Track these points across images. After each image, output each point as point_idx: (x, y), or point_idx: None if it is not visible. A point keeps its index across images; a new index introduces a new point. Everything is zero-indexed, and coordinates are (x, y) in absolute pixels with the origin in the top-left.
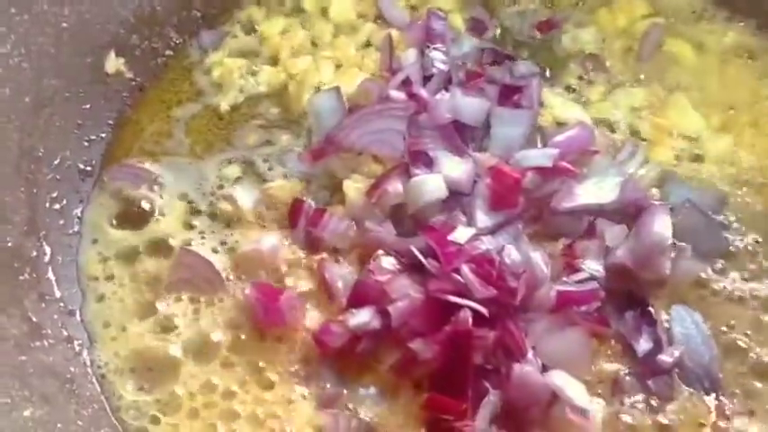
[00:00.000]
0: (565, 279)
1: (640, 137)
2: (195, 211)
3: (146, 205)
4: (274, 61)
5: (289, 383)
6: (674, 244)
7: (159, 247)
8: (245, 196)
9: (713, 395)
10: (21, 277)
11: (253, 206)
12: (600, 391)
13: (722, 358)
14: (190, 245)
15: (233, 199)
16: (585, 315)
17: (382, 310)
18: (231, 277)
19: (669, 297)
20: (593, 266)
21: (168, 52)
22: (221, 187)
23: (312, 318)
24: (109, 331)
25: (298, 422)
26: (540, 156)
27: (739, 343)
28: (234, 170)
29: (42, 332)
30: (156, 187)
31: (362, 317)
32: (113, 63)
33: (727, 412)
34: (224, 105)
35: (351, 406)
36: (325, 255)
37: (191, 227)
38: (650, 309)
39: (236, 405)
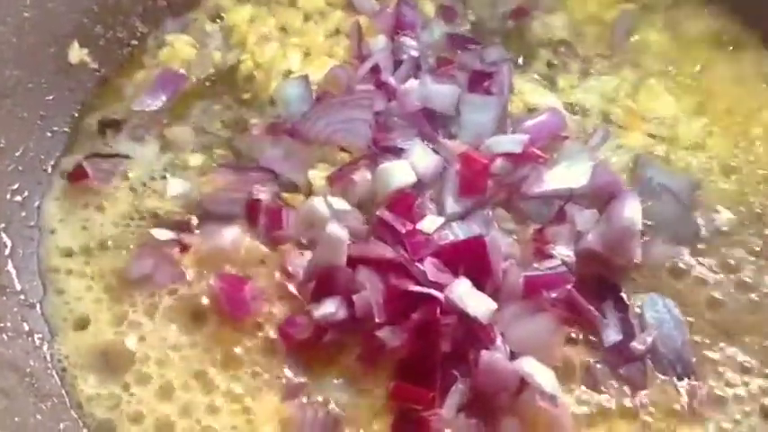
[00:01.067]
0: (535, 265)
1: (612, 122)
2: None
3: (107, 197)
4: (235, 47)
5: (253, 375)
6: (645, 229)
7: (121, 240)
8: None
9: (686, 380)
10: None
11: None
12: (570, 378)
13: (694, 343)
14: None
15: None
16: (555, 301)
17: (347, 300)
18: (193, 271)
19: (641, 282)
20: (563, 252)
21: (133, 42)
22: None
23: (277, 309)
24: (69, 325)
25: (262, 414)
26: (509, 142)
27: (711, 327)
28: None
29: (1, 325)
30: (117, 178)
31: (328, 307)
32: (77, 53)
33: (700, 397)
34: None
35: (317, 397)
36: (287, 246)
37: (154, 217)
38: (622, 295)
39: (198, 397)
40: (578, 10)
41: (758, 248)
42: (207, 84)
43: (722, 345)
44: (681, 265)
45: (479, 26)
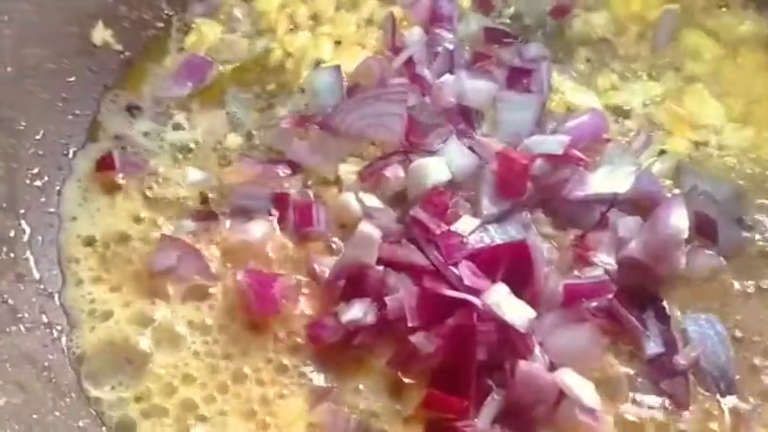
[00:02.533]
0: (576, 273)
1: (656, 126)
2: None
3: (131, 185)
4: (265, 34)
5: (280, 376)
6: (689, 238)
7: (144, 230)
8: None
9: (729, 398)
10: None
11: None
12: (611, 391)
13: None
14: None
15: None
16: (596, 310)
17: (378, 302)
18: (219, 266)
19: (683, 295)
20: (605, 260)
21: (159, 24)
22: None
23: (305, 309)
24: (88, 317)
25: (288, 417)
26: (550, 142)
27: (756, 342)
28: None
29: (19, 316)
30: (144, 169)
31: (355, 311)
32: (101, 34)
33: (744, 415)
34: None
35: (345, 402)
36: (316, 244)
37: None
38: (664, 306)
39: (220, 399)
40: (621, 8)
41: None
42: (234, 71)
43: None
44: (724, 275)
45: (518, 21)
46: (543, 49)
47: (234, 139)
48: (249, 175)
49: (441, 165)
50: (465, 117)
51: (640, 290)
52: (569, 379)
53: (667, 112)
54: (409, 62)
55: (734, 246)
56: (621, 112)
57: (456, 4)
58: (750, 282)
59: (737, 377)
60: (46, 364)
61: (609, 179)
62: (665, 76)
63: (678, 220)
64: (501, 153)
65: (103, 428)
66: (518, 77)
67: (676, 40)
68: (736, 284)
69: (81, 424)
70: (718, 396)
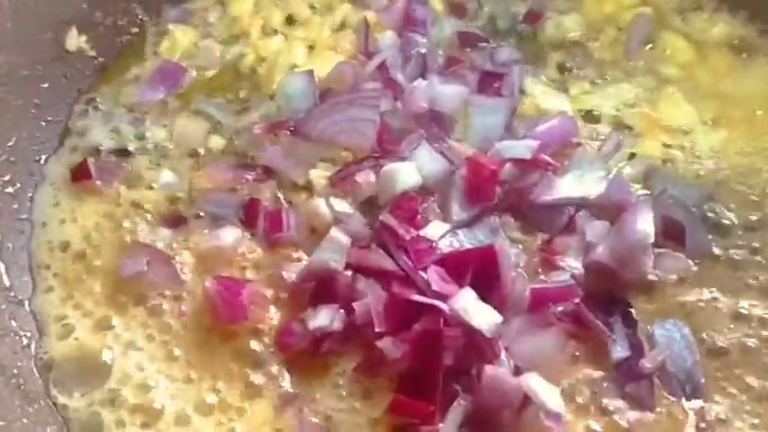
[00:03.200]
0: (542, 277)
1: (627, 130)
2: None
3: (103, 191)
4: (238, 39)
5: (247, 382)
6: (657, 242)
7: (116, 236)
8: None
9: (694, 401)
10: None
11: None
12: (576, 396)
13: (704, 364)
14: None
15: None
16: (562, 315)
17: (346, 307)
18: (189, 272)
19: (651, 299)
20: (572, 264)
21: (134, 30)
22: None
23: (273, 315)
24: (57, 325)
25: (254, 422)
26: (519, 147)
27: (721, 347)
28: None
29: None
30: (119, 176)
31: (322, 318)
32: (75, 40)
33: (709, 419)
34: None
35: (312, 407)
36: (286, 250)
37: (150, 214)
38: (631, 310)
39: (188, 404)
40: (593, 11)
41: None
42: (208, 77)
43: (732, 366)
44: (691, 280)
45: (491, 25)
46: (515, 53)
47: (217, 141)
48: (220, 180)
49: (411, 170)
50: (437, 122)
51: (607, 294)
52: (535, 384)
53: (639, 115)
54: (382, 66)
55: (701, 250)
56: (592, 117)
57: (430, 8)
58: (716, 287)
59: (703, 381)
60: (15, 371)
61: (578, 184)
62: (637, 79)
63: (645, 224)
64: (470, 158)
65: None
66: (489, 81)
67: (649, 43)
68: (704, 289)
69: (48, 430)
70: (683, 400)
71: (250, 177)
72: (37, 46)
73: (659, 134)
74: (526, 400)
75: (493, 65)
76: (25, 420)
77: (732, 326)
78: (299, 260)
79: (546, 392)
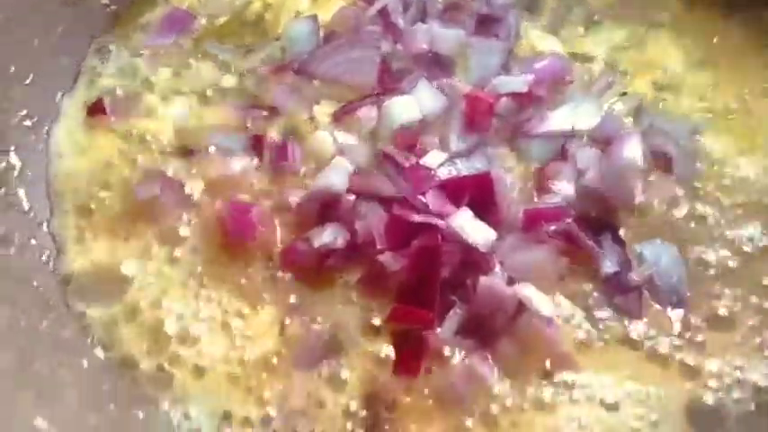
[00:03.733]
0: (535, 200)
1: (618, 70)
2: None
3: (116, 124)
4: None
5: (255, 295)
6: (645, 171)
7: (129, 166)
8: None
9: (679, 311)
10: None
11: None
12: (566, 306)
13: (690, 279)
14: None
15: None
16: (554, 233)
17: (348, 227)
18: (199, 198)
19: (640, 223)
20: (564, 187)
21: None
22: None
23: (280, 236)
24: (74, 244)
25: (260, 329)
26: (514, 82)
27: (707, 265)
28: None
29: (9, 239)
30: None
31: (327, 236)
32: None
33: (693, 322)
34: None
35: (317, 318)
36: (291, 179)
37: (162, 144)
38: (619, 232)
39: (198, 313)
40: None
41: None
42: (217, 24)
43: (716, 280)
44: (678, 204)
45: None
46: None
47: (229, 80)
48: (228, 117)
49: (411, 104)
50: (436, 62)
51: (598, 218)
52: (527, 291)
53: (630, 57)
54: (383, 12)
55: (689, 178)
56: (585, 58)
57: None
58: (703, 210)
59: (689, 294)
60: (35, 283)
61: (570, 116)
62: (628, 25)
63: (633, 151)
64: (468, 93)
65: (88, 339)
66: (486, 25)
67: None
68: (691, 212)
69: (67, 335)
70: (669, 309)
71: (257, 116)
72: None
73: (649, 74)
74: (520, 307)
75: (489, 9)
76: (45, 323)
77: (717, 246)
78: (304, 188)
79: (538, 299)
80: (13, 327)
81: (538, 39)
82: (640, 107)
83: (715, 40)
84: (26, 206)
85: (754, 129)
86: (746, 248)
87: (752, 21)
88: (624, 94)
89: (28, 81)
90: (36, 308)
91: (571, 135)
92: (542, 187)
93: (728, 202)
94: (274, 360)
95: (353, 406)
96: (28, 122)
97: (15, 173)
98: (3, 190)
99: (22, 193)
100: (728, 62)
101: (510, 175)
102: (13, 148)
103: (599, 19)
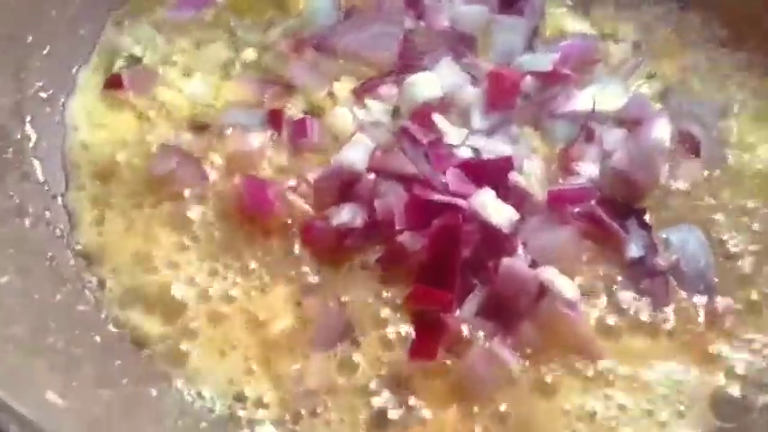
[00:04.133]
0: (560, 181)
1: (647, 52)
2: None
3: (132, 97)
4: None
5: (271, 270)
6: (674, 153)
7: (145, 139)
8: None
9: (707, 298)
10: (3, 155)
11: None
12: (591, 290)
13: (717, 265)
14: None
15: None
16: (579, 215)
17: (368, 206)
18: (217, 173)
19: (668, 207)
20: (589, 169)
21: None
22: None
23: (299, 213)
24: (88, 219)
25: (277, 306)
26: (540, 60)
27: (734, 251)
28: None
29: (23, 211)
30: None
31: (345, 214)
32: None
33: (720, 312)
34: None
35: (335, 296)
36: (310, 155)
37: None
38: (646, 216)
39: (214, 286)
40: None
41: None
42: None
43: (744, 266)
44: (706, 188)
45: None
46: None
47: (249, 54)
48: (247, 93)
49: (433, 81)
50: (459, 40)
51: (623, 201)
52: (551, 274)
53: (660, 37)
54: None
55: (717, 161)
56: (613, 38)
57: None
58: (729, 195)
59: (716, 280)
60: (49, 254)
61: (598, 97)
62: (658, 5)
63: (661, 132)
64: (492, 71)
65: (102, 315)
66: (511, 2)
67: None
68: (718, 198)
69: (81, 308)
70: (696, 297)
71: (276, 91)
72: None
73: (677, 56)
74: (542, 290)
75: None
76: (59, 296)
77: (745, 232)
78: (323, 165)
79: (561, 282)
80: (27, 299)
81: (565, 18)
82: (668, 89)
83: (746, 19)
84: (41, 178)
85: None
86: None
87: None
88: (653, 75)
89: (45, 52)
90: (50, 281)
91: (597, 116)
92: (567, 168)
93: (756, 187)
94: (290, 340)
95: (370, 387)
96: (44, 94)
97: (31, 144)
98: (19, 160)
99: (37, 164)
100: (760, 43)
101: (534, 156)
102: (29, 119)
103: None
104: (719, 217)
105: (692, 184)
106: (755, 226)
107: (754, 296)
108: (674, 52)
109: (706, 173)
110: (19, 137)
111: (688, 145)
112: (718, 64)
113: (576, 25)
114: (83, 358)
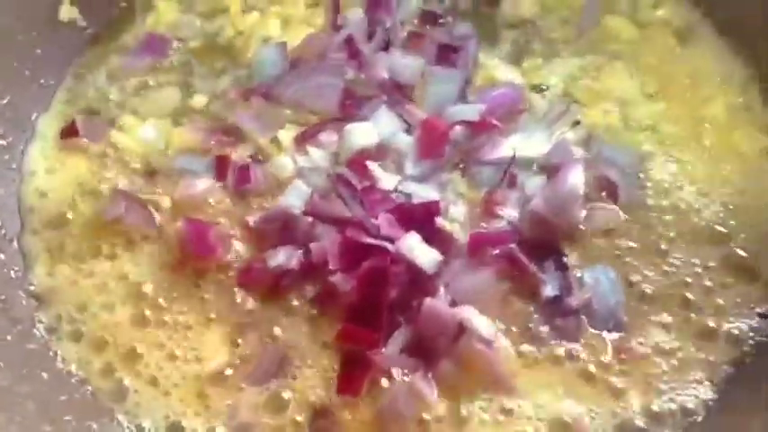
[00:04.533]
0: (483, 224)
1: (573, 100)
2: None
3: (88, 145)
4: (218, 14)
5: (210, 310)
6: (593, 198)
7: (98, 185)
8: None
9: (615, 335)
10: None
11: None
12: (508, 328)
13: (629, 306)
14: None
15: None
16: (498, 257)
17: (304, 248)
18: (163, 217)
19: (584, 248)
20: (510, 213)
21: (122, 4)
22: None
23: (238, 255)
24: (41, 261)
25: (214, 344)
26: (468, 110)
27: (646, 291)
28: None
29: None
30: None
31: (282, 257)
32: (67, 10)
33: (629, 346)
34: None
35: (270, 334)
36: (253, 200)
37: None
38: (563, 257)
39: (150, 327)
40: None
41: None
42: (189, 48)
43: (655, 306)
44: (621, 231)
45: (453, 6)
46: (471, 29)
47: (199, 100)
48: (195, 139)
49: (370, 129)
50: (397, 89)
51: (542, 243)
52: (468, 313)
53: (584, 87)
54: (349, 39)
55: (634, 205)
56: (541, 88)
57: None
58: (644, 237)
59: (625, 318)
60: (2, 297)
61: (522, 145)
62: (585, 56)
63: (576, 178)
64: (425, 120)
65: (50, 353)
66: (446, 54)
67: (598, 24)
68: (632, 239)
69: (30, 346)
70: (605, 333)
71: (223, 138)
72: (32, 14)
73: (602, 103)
74: (461, 329)
75: (450, 39)
76: (9, 338)
77: (654, 271)
78: (264, 210)
79: (478, 321)
80: None
81: (496, 68)
82: (591, 136)
83: (667, 72)
84: None
85: (701, 159)
86: (687, 278)
87: (704, 53)
88: (578, 122)
89: (5, 101)
90: (2, 321)
91: (520, 163)
92: (490, 212)
93: (672, 231)
94: (226, 374)
95: (300, 420)
96: (3, 142)
97: None
98: None
99: None
100: (679, 93)
101: (460, 201)
102: None
103: (557, 51)
104: (633, 258)
105: (609, 227)
106: (667, 268)
107: (661, 335)
108: (599, 101)
109: (623, 216)
110: None
111: (606, 190)
112: (640, 113)
113: (506, 75)
114: (28, 395)
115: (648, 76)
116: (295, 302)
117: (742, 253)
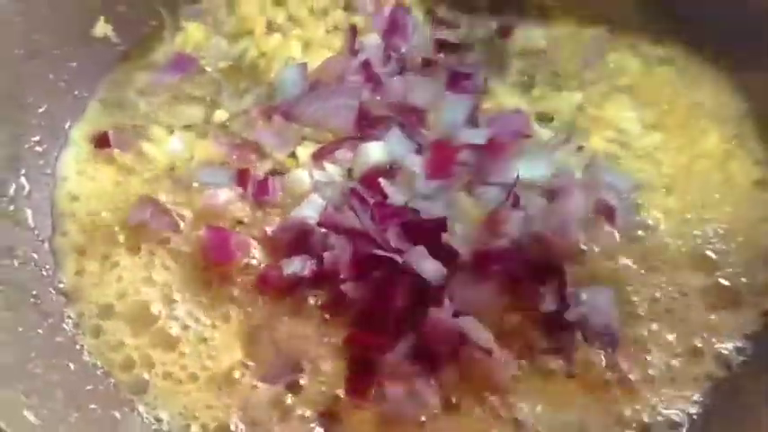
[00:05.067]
0: (487, 241)
1: (577, 128)
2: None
3: (121, 155)
4: (244, 36)
5: (227, 311)
6: (592, 221)
7: (126, 192)
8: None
9: (611, 352)
10: None
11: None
12: (507, 339)
13: (623, 323)
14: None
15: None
16: (500, 272)
17: (317, 257)
18: (186, 225)
19: (581, 267)
20: (512, 232)
21: (153, 23)
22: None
23: (256, 262)
24: (71, 262)
25: (230, 343)
26: (476, 134)
27: (639, 310)
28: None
29: (14, 253)
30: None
31: (296, 265)
32: (102, 28)
33: (621, 366)
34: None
35: (283, 337)
36: (271, 211)
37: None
38: (563, 274)
39: (168, 326)
40: (559, 27)
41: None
42: (217, 68)
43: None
44: (618, 252)
45: (467, 35)
46: (483, 57)
47: (221, 115)
48: (218, 152)
49: (382, 149)
50: (410, 112)
51: (543, 261)
52: (470, 324)
53: (588, 116)
54: (366, 63)
55: (630, 228)
56: (547, 116)
57: (412, 17)
58: (640, 257)
59: (619, 335)
60: (34, 292)
61: (525, 168)
62: (590, 87)
63: (575, 201)
64: (435, 142)
65: (77, 346)
66: (457, 81)
67: (603, 57)
68: (629, 259)
69: (59, 339)
70: (599, 349)
71: (244, 153)
72: (69, 30)
73: (603, 132)
74: (463, 338)
75: (462, 67)
76: (40, 331)
77: (647, 291)
78: (281, 220)
79: (479, 331)
80: (13, 331)
81: (504, 96)
82: (592, 162)
83: (666, 105)
84: (31, 224)
85: (695, 188)
86: (679, 299)
87: (701, 88)
88: (581, 149)
89: (42, 110)
90: (34, 315)
91: (524, 184)
92: (493, 230)
93: (665, 254)
94: (240, 373)
95: (308, 418)
96: (39, 148)
97: (24, 193)
98: (12, 208)
99: (28, 212)
100: (677, 125)
101: (466, 218)
102: (23, 171)
103: (564, 81)
104: (628, 279)
105: (607, 249)
106: (659, 289)
107: (654, 350)
108: (601, 129)
109: (620, 238)
110: (14, 187)
111: (605, 213)
112: (639, 142)
113: (513, 102)
114: (57, 384)
115: (649, 108)
116: (307, 307)
117: (729, 280)
